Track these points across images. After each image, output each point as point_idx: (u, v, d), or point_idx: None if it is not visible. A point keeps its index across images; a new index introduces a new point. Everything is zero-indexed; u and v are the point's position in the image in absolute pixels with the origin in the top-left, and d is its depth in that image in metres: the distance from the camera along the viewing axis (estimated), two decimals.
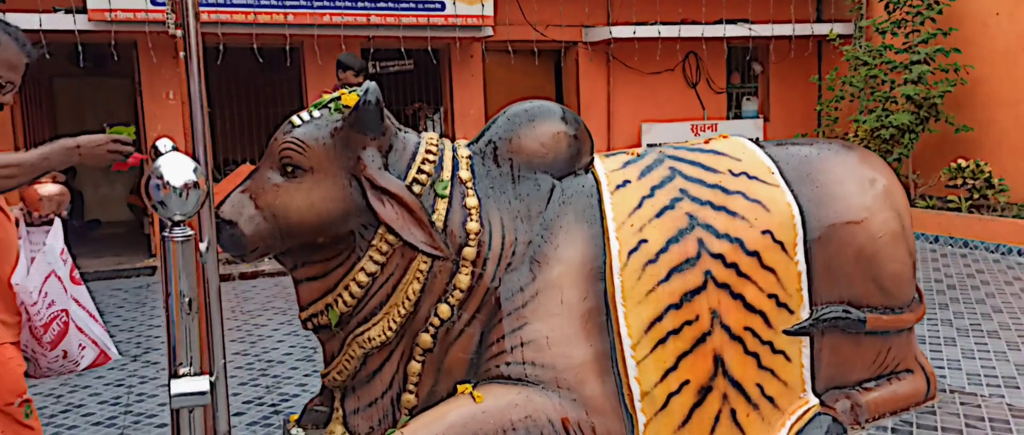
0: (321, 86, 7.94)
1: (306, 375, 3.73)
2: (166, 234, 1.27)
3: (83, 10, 7.03)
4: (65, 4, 7.14)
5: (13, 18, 6.71)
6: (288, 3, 7.50)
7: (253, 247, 2.21)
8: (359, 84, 3.23)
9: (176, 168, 1.27)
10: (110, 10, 6.93)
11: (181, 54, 1.67)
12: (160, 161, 1.26)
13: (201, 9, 7.28)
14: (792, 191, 2.44)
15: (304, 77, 8.14)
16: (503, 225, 2.26)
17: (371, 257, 2.20)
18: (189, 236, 1.27)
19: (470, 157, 2.34)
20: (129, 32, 6.95)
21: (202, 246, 1.56)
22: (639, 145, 8.95)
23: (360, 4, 7.75)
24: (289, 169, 2.19)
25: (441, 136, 8.87)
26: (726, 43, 9.21)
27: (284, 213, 2.18)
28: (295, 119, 2.26)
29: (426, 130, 9.05)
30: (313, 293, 2.28)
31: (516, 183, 2.31)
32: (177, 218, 1.27)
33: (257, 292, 5.73)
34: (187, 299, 1.25)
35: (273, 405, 3.32)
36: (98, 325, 1.97)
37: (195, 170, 1.28)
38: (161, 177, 1.26)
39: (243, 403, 3.38)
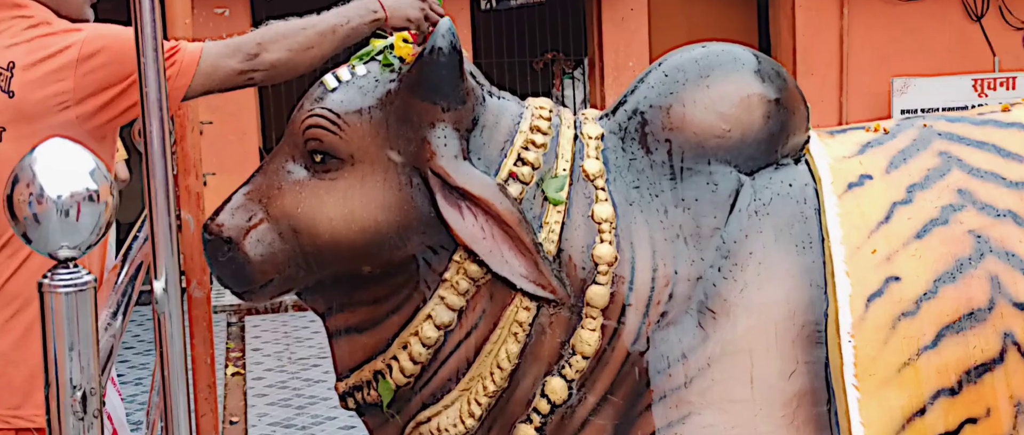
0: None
1: None
2: (45, 280, 1.14)
3: None
4: None
5: None
6: None
7: (264, 279, 2.23)
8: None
9: (57, 166, 1.14)
10: None
11: None
12: (32, 155, 1.14)
13: None
14: None
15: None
16: (655, 250, 2.18)
17: (443, 299, 2.16)
18: (83, 285, 1.13)
19: (602, 138, 2.28)
20: None
21: (158, 286, 1.53)
22: (888, 115, 8.53)
23: None
24: (318, 158, 2.19)
25: (585, 101, 8.77)
26: None
27: (310, 227, 2.17)
28: (329, 79, 2.26)
29: (561, 91, 9.05)
30: (356, 353, 2.28)
31: (678, 180, 2.23)
32: (63, 253, 1.14)
33: (314, 330, 5.81)
34: (79, 393, 1.11)
35: None
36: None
37: (93, 171, 1.15)
38: (30, 181, 1.13)
39: None
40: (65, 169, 1.17)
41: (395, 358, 2.19)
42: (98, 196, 1.17)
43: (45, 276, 1.15)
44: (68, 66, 2.20)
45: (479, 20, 8.84)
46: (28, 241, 1.16)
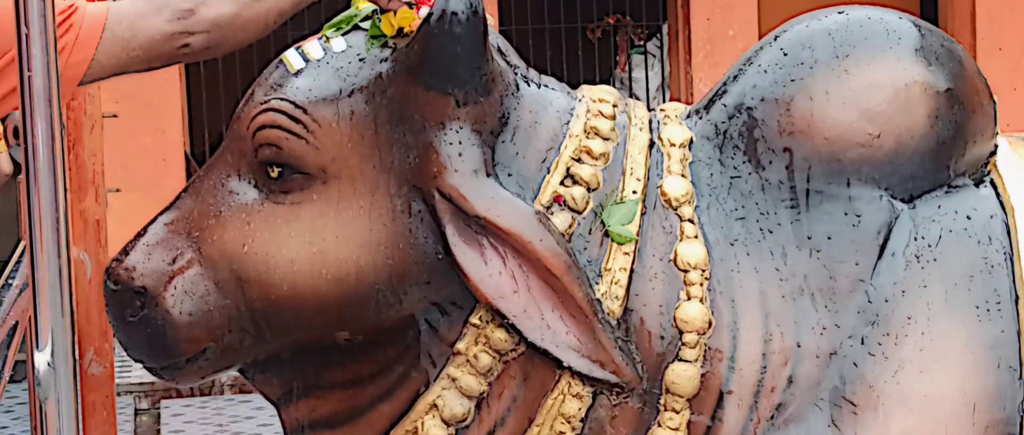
0: None
1: None
2: None
3: None
4: None
5: None
6: None
7: (193, 349, 2.25)
8: None
9: None
10: None
11: None
12: None
13: None
14: None
15: None
16: (767, 312, 2.19)
17: (454, 381, 2.18)
18: None
19: (691, 144, 2.29)
20: None
21: (41, 360, 1.54)
22: None
23: None
24: (275, 173, 2.21)
25: (663, 86, 8.80)
26: None
27: (263, 274, 2.20)
28: (292, 57, 2.29)
29: (628, 72, 9.05)
30: None
31: (802, 209, 2.24)
32: None
33: (263, 422, 5.84)
34: None
35: None
36: None
37: None
38: None
39: None
40: None
41: None
42: None
43: None
44: None
45: None
46: None
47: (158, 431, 6.29)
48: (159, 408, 6.75)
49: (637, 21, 9.12)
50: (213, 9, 2.32)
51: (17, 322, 2.02)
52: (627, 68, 9.29)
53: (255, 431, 5.92)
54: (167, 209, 2.28)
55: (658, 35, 8.96)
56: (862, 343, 2.16)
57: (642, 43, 9.00)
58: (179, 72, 8.88)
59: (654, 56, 8.86)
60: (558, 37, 9.22)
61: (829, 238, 2.20)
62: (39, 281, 1.47)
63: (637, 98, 9.15)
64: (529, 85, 2.29)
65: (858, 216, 2.21)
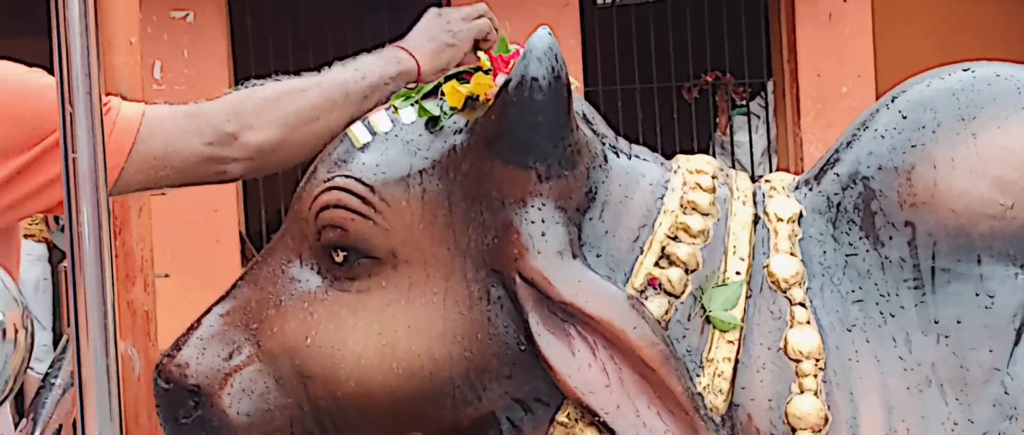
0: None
1: None
2: None
3: None
4: None
5: None
6: None
7: None
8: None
9: None
10: None
11: None
12: None
13: None
14: None
15: None
16: (891, 406, 2.15)
17: None
18: None
19: (801, 218, 2.29)
20: None
21: None
22: None
23: None
24: (340, 257, 2.23)
25: (769, 150, 8.75)
26: None
27: (328, 369, 2.21)
28: (358, 131, 2.31)
29: (728, 134, 9.05)
30: None
31: (928, 289, 2.22)
32: None
33: None
34: None
35: None
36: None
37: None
38: None
39: None
40: None
41: None
42: (5, 332, 1.21)
43: None
44: None
45: (593, 23, 8.90)
46: None
47: None
48: None
49: (739, 79, 9.11)
50: (258, 135, 2.35)
51: (61, 425, 2.04)
52: (728, 131, 9.27)
53: None
54: (223, 299, 2.30)
55: (762, 93, 8.95)
56: None
57: (745, 103, 8.98)
58: None
59: (758, 117, 8.84)
60: (650, 98, 9.23)
61: (958, 322, 2.17)
62: (85, 380, 1.47)
63: (740, 164, 9.13)
64: (618, 156, 2.29)
65: (991, 297, 2.18)
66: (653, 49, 9.19)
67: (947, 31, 8.71)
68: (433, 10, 2.62)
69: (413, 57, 2.48)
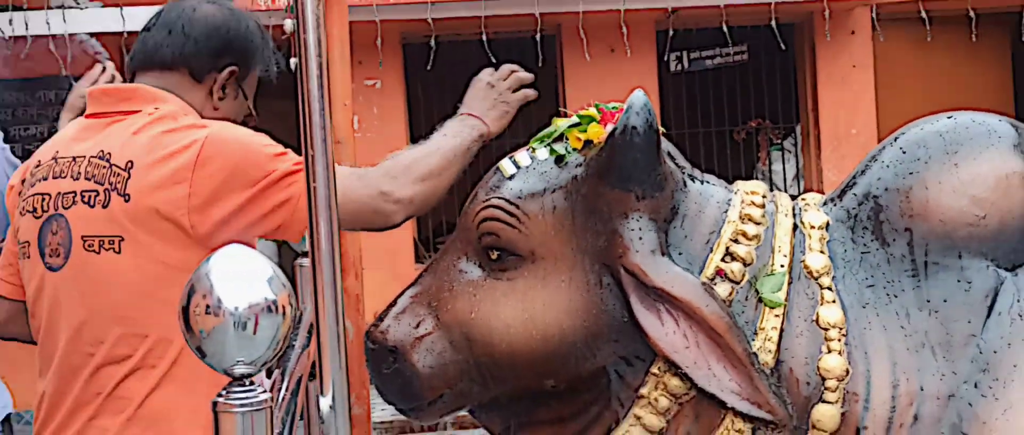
0: (588, 95, 8.10)
1: None
2: (220, 399, 1.20)
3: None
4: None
5: (134, 13, 7.60)
6: None
7: (433, 395, 2.26)
8: None
9: (234, 275, 1.21)
10: None
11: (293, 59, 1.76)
12: (208, 264, 1.21)
13: None
14: None
15: (562, 82, 8.36)
16: (895, 362, 2.12)
17: (639, 419, 2.16)
18: (258, 405, 1.19)
19: (828, 226, 2.26)
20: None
21: (324, 404, 1.57)
22: None
23: None
24: (494, 255, 2.23)
25: (797, 176, 8.60)
26: None
27: (485, 335, 2.20)
28: (507, 165, 2.31)
29: (767, 166, 8.97)
30: None
31: (922, 277, 2.18)
32: (238, 370, 1.20)
33: None
34: None
35: None
36: None
37: (271, 280, 1.21)
38: (207, 292, 1.19)
39: None
40: (243, 278, 1.22)
41: None
42: (276, 307, 1.22)
43: (220, 394, 1.22)
44: (185, 168, 2.18)
45: (668, 84, 8.87)
46: (202, 355, 1.22)
47: None
48: None
49: (775, 124, 8.99)
50: (405, 191, 2.35)
51: (302, 376, 2.06)
52: (767, 162, 9.16)
53: None
54: (411, 285, 2.31)
55: (793, 135, 8.80)
56: (975, 387, 2.09)
57: (780, 141, 8.85)
58: None
59: (790, 152, 8.70)
60: (711, 139, 9.17)
61: (945, 301, 2.15)
62: (322, 344, 1.49)
63: (776, 187, 9.04)
64: (694, 181, 2.28)
65: (969, 283, 2.16)
66: (712, 103, 9.12)
67: (933, 87, 8.55)
68: (482, 79, 2.67)
69: (484, 123, 2.55)
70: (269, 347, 1.25)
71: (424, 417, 2.29)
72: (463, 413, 2.40)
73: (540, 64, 8.24)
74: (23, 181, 2.40)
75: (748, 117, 9.07)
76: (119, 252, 2.19)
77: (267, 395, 1.25)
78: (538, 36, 8.01)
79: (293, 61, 1.66)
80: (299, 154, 1.73)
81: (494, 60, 8.03)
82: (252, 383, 1.25)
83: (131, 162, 2.19)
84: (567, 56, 8.27)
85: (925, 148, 2.22)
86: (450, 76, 8.83)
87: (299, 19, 1.52)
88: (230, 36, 2.44)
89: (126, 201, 2.18)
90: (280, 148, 2.28)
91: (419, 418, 2.39)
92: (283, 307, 1.25)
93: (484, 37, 7.93)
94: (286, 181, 2.23)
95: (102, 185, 2.20)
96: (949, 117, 2.27)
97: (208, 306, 1.21)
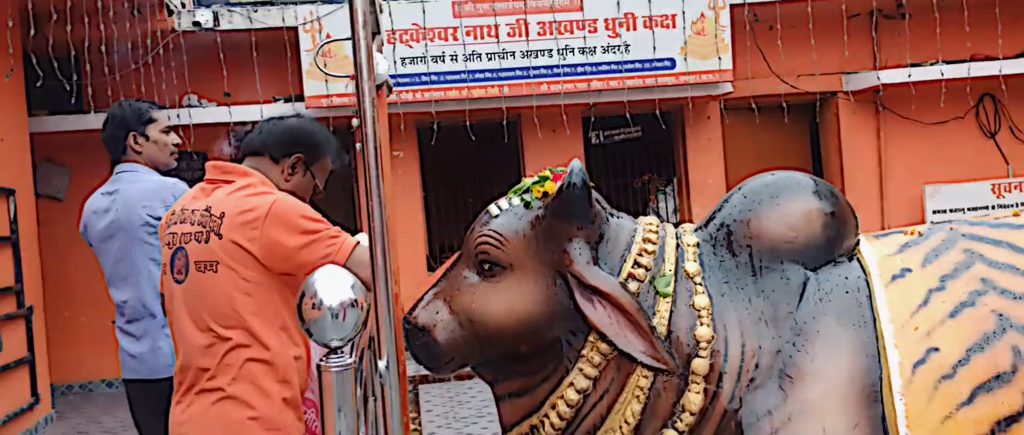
0: (540, 161, 8.15)
1: None
2: (321, 362, 1.24)
3: (301, 98, 7.77)
4: (284, 94, 7.95)
5: (237, 110, 7.57)
6: (503, 75, 7.83)
7: (448, 357, 2.23)
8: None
9: (331, 284, 1.25)
10: (327, 96, 7.62)
11: (358, 145, 1.74)
12: (314, 277, 1.26)
13: (412, 89, 7.82)
14: None
15: (522, 152, 8.39)
16: (742, 330, 2.13)
17: (581, 370, 2.15)
18: (346, 366, 1.24)
19: (698, 245, 2.26)
20: (345, 117, 7.58)
21: (381, 365, 1.56)
22: (922, 217, 8.22)
23: (580, 69, 7.93)
24: (486, 266, 2.21)
25: (675, 211, 8.66)
26: None
27: (481, 318, 2.19)
28: (493, 208, 2.30)
29: (656, 204, 9.03)
30: (517, 412, 2.26)
31: (758, 276, 2.18)
32: (333, 343, 1.25)
33: (473, 395, 5.81)
34: None
35: None
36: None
37: (353, 286, 1.26)
38: (313, 295, 1.24)
39: None
40: (335, 285, 1.28)
41: (546, 415, 2.17)
42: (357, 303, 1.28)
43: (321, 360, 1.27)
44: (257, 221, 2.20)
45: (591, 151, 8.92)
46: (310, 334, 1.27)
47: (417, 403, 6.45)
48: (417, 390, 6.88)
49: (660, 176, 9.05)
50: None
51: (363, 348, 2.05)
52: (656, 202, 9.22)
53: (468, 400, 5.94)
54: (433, 286, 2.30)
55: (672, 184, 8.86)
56: (793, 345, 2.10)
57: (663, 188, 8.90)
58: (421, 210, 8.85)
59: (669, 195, 8.75)
60: (620, 187, 9.19)
61: (773, 291, 2.16)
62: (381, 324, 1.48)
63: (663, 219, 9.08)
64: (613, 217, 2.28)
65: (788, 279, 2.17)
66: (619, 164, 9.15)
67: (759, 151, 8.64)
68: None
69: None
70: (353, 329, 1.30)
71: (442, 372, 2.26)
72: (465, 369, 2.37)
73: (506, 140, 8.28)
74: (167, 223, 2.42)
75: (642, 172, 9.12)
76: (216, 272, 2.21)
77: (351, 360, 1.30)
78: (505, 122, 8.05)
79: (359, 146, 1.70)
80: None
81: (473, 138, 8.10)
82: (341, 352, 1.29)
83: (224, 213, 2.22)
84: (526, 134, 8.31)
85: (758, 193, 2.23)
86: (448, 147, 8.89)
87: (363, 116, 1.56)
88: (299, 135, 2.45)
89: (219, 239, 2.21)
90: (318, 216, 2.28)
91: (439, 373, 2.35)
92: (361, 303, 1.30)
93: (468, 123, 7.95)
94: (326, 242, 2.23)
95: (205, 229, 2.24)
96: (772, 175, 2.27)
97: (314, 303, 1.27)
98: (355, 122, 2.18)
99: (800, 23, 8.36)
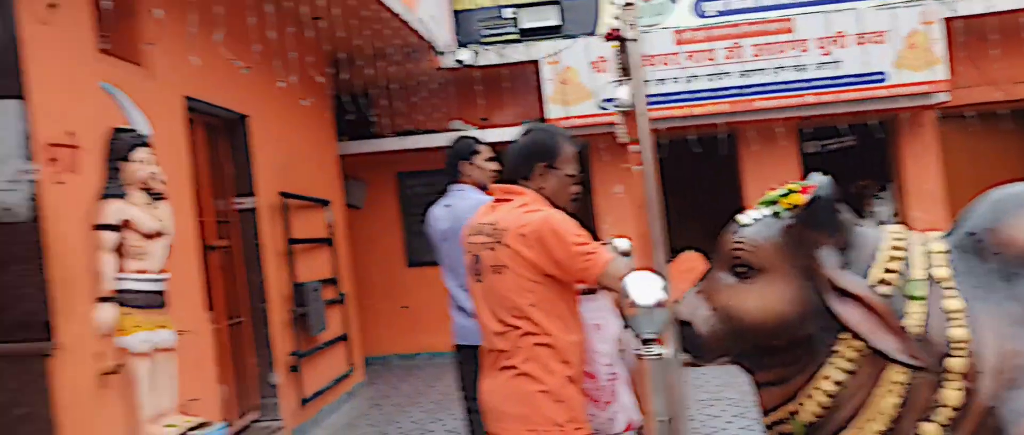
0: (756, 171, 7.89)
1: None
2: (640, 351, 1.31)
3: (543, 121, 8.01)
4: (530, 117, 8.23)
5: (492, 132, 7.87)
6: (722, 92, 7.68)
7: (710, 350, 2.22)
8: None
9: (644, 288, 1.32)
10: (566, 118, 7.82)
11: (633, 167, 1.78)
12: (628, 281, 1.33)
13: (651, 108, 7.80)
14: None
15: (739, 163, 8.15)
16: (996, 332, 1.99)
17: (836, 364, 2.09)
18: (659, 354, 1.30)
19: (947, 252, 2.13)
20: (582, 136, 7.73)
21: (666, 353, 1.66)
22: None
23: (794, 84, 7.62)
24: (740, 270, 2.19)
25: (894, 215, 7.98)
26: None
27: (738, 315, 2.17)
28: (742, 218, 2.27)
29: (873, 210, 8.43)
30: (774, 399, 2.23)
31: (1008, 281, 2.04)
32: (646, 336, 1.31)
33: (706, 380, 5.73)
34: (666, 418, 1.28)
35: None
36: (628, 391, 2.25)
37: (664, 288, 1.32)
38: (628, 297, 1.31)
39: None
40: (646, 288, 1.35)
41: (802, 404, 2.12)
42: (664, 303, 1.34)
43: (638, 349, 1.33)
44: (531, 236, 2.24)
45: (806, 160, 8.52)
46: (629, 327, 1.34)
47: None
48: None
49: (877, 182, 8.47)
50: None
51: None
52: (872, 206, 8.63)
53: (713, 389, 5.85)
54: (694, 287, 2.26)
55: (888, 189, 8.26)
56: None
57: (880, 194, 8.32)
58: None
59: (885, 200, 8.18)
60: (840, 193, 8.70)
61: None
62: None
63: (881, 223, 8.47)
64: (858, 226, 2.19)
65: None
66: (839, 170, 8.67)
67: (976, 155, 7.86)
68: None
69: None
70: (661, 325, 1.35)
71: (706, 362, 2.23)
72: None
73: (726, 153, 8.10)
74: (467, 234, 2.52)
75: (857, 179, 8.59)
76: (503, 275, 2.30)
77: (663, 348, 1.35)
78: (724, 135, 7.86)
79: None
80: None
81: (697, 151, 7.96)
82: (654, 342, 1.35)
83: (507, 227, 2.30)
84: (742, 146, 8.09)
85: (1006, 203, 2.10)
86: (673, 160, 8.79)
87: (642, 145, 1.62)
88: (529, 148, 2.42)
89: (505, 248, 2.28)
90: (579, 231, 2.25)
91: (703, 363, 2.30)
92: (667, 303, 1.36)
93: (690, 137, 7.80)
94: (585, 257, 2.18)
95: (493, 238, 2.33)
96: (1019, 185, 2.14)
97: (631, 303, 1.34)
98: (634, 149, 2.23)
99: (1015, 33, 7.58)
